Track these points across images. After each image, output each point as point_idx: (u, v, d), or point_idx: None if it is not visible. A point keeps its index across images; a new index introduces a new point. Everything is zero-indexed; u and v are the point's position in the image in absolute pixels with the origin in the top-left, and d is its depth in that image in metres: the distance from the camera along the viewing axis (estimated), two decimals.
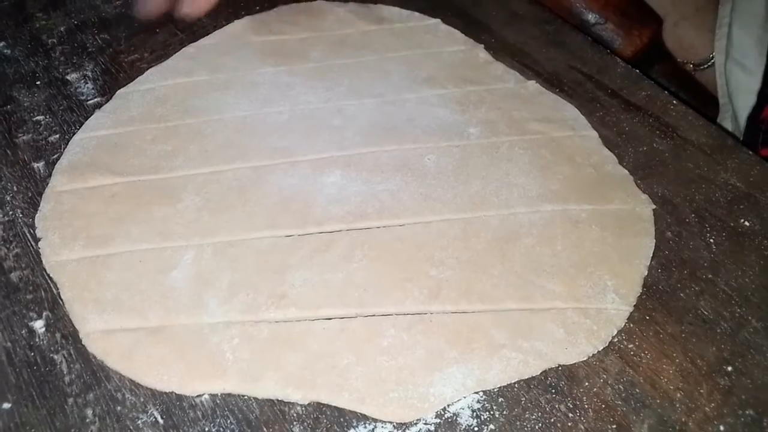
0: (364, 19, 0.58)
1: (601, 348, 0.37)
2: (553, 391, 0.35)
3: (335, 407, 0.35)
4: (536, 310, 0.38)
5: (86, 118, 0.50)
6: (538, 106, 0.50)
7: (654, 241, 0.42)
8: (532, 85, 0.52)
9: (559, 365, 0.36)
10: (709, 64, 0.65)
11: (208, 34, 0.57)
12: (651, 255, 0.41)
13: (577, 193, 0.44)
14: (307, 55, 0.55)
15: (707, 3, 0.65)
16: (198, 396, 0.36)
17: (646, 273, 0.40)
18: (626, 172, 0.46)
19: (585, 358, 0.37)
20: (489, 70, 0.53)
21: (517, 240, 0.41)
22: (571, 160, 0.46)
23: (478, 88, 0.51)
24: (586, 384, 0.36)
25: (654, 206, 0.44)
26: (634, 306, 0.39)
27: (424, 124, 0.49)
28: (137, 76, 0.53)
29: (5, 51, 0.57)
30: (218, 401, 0.35)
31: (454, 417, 0.35)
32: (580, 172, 0.45)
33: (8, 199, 0.45)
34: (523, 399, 0.35)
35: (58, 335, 0.38)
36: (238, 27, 0.58)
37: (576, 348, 0.37)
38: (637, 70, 0.54)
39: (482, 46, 0.55)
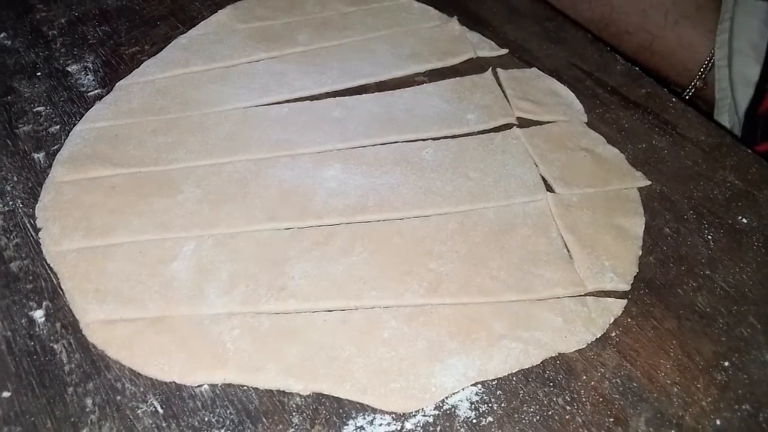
0: (342, 0, 0.60)
1: (600, 335, 0.37)
2: (551, 384, 0.36)
3: (334, 398, 0.35)
4: (535, 300, 0.38)
5: (87, 110, 0.50)
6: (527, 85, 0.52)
7: (644, 219, 0.43)
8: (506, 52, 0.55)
9: (559, 353, 0.36)
10: (704, 72, 0.65)
11: None
12: (642, 234, 0.42)
13: (570, 178, 0.45)
14: (295, 39, 0.56)
15: (707, 1, 0.65)
16: (198, 386, 0.36)
17: (640, 252, 0.41)
18: (616, 150, 0.47)
19: (584, 346, 0.37)
20: (464, 41, 0.56)
21: (514, 231, 0.42)
22: (563, 146, 0.47)
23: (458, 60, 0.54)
24: (584, 377, 0.36)
25: (649, 182, 0.45)
26: (633, 301, 0.39)
27: (423, 113, 0.49)
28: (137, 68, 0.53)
29: (6, 42, 0.56)
30: (218, 391, 0.36)
31: (453, 409, 0.35)
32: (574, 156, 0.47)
33: (8, 189, 0.45)
34: (521, 392, 0.35)
35: (58, 325, 0.38)
36: (222, 16, 0.58)
37: (575, 336, 0.37)
38: (637, 68, 0.54)
39: (455, 18, 0.57)
